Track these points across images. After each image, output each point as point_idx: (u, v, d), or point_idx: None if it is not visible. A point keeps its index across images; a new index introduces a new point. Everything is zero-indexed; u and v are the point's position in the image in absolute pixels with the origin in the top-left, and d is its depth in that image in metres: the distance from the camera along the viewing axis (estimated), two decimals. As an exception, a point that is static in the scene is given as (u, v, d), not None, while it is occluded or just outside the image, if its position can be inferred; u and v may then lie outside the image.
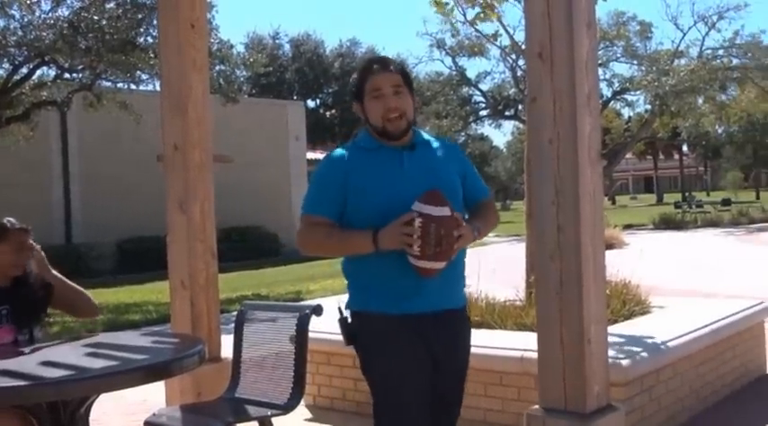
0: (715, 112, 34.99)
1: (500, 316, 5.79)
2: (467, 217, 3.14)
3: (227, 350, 4.75)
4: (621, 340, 4.95)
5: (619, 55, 33.87)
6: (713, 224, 29.93)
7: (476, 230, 3.06)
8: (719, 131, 50.99)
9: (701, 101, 33.88)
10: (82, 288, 3.99)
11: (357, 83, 3.14)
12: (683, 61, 32.59)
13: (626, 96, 37.03)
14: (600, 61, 33.76)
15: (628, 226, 28.25)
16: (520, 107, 33.21)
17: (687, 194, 57.98)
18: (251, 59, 19.15)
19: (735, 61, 32.75)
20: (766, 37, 48.44)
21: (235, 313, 4.66)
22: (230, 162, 5.75)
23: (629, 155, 68.66)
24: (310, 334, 4.18)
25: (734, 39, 32.63)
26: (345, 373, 5.52)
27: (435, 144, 3.19)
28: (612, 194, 75.19)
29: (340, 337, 4.76)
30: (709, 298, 8.34)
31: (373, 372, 3.05)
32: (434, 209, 2.81)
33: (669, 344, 4.98)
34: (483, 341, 5.08)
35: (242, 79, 19.75)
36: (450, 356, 3.12)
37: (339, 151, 3.16)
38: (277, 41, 45.88)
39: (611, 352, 4.16)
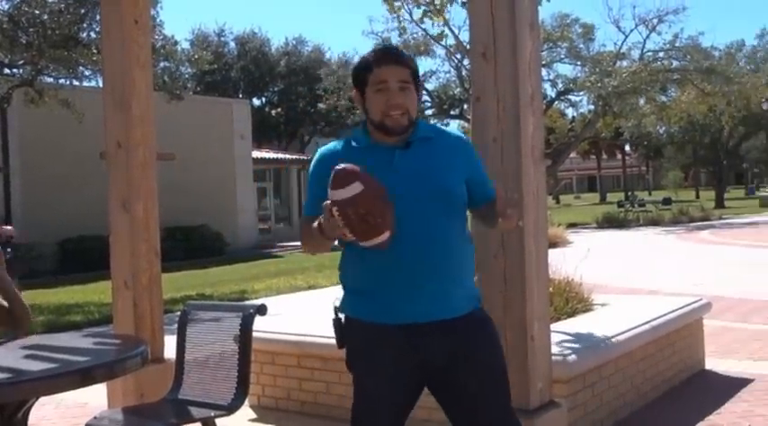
0: (656, 113, 35.64)
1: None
2: (470, 218, 2.98)
3: (170, 350, 4.69)
4: (564, 337, 5.00)
5: (562, 56, 34.36)
6: (655, 222, 30.45)
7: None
8: (660, 131, 51.80)
9: (642, 101, 34.50)
10: (24, 301, 3.77)
11: (361, 70, 2.91)
12: (624, 63, 33.18)
13: (570, 97, 37.58)
14: (544, 62, 34.17)
15: (572, 225, 28.58)
16: (465, 106, 33.44)
17: (630, 193, 58.95)
18: (196, 56, 19.00)
19: (675, 63, 33.44)
20: (705, 39, 49.54)
21: (178, 313, 4.61)
22: (174, 159, 5.69)
23: (573, 155, 69.66)
24: (254, 334, 4.15)
25: (674, 41, 33.35)
26: (290, 373, 5.50)
27: (441, 140, 2.96)
28: (557, 193, 76.06)
29: (284, 336, 4.73)
30: (650, 296, 8.48)
31: (354, 375, 2.94)
32: (342, 192, 2.58)
33: (611, 341, 5.05)
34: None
35: (187, 76, 19.59)
36: (465, 360, 2.85)
37: (329, 147, 3.03)
38: (222, 39, 45.54)
39: (554, 349, 4.21)
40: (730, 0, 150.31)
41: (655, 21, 32.95)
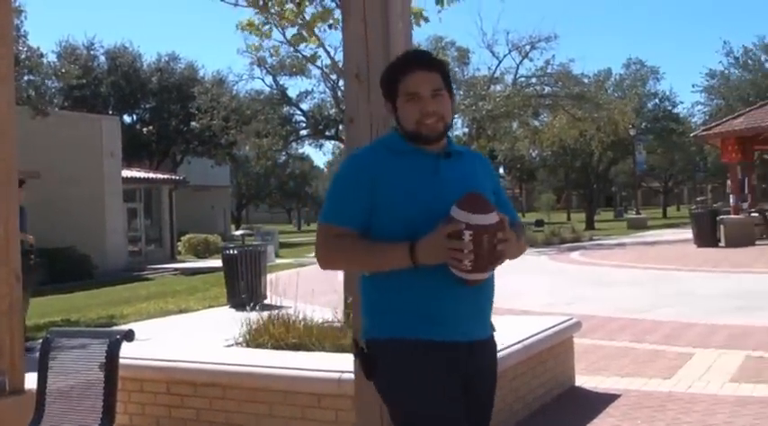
0: (529, 137, 36.77)
1: (318, 338, 5.81)
2: None
3: (32, 381, 4.51)
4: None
5: (438, 78, 34.88)
6: (528, 244, 31.28)
7: (519, 238, 2.73)
8: (533, 155, 53.43)
9: (515, 125, 35.55)
10: None
11: (390, 79, 2.76)
12: (498, 87, 34.13)
13: (445, 119, 38.16)
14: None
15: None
16: (340, 127, 33.62)
17: (503, 215, 60.16)
18: (63, 70, 18.49)
19: (547, 89, 34.57)
20: (575, 67, 51.31)
21: (41, 340, 4.44)
22: (38, 178, 5.50)
23: (448, 177, 70.56)
24: (122, 361, 4.04)
25: (545, 68, 34.50)
26: (159, 400, 5.37)
27: (468, 156, 2.88)
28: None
29: (153, 362, 4.60)
30: (522, 316, 8.69)
31: (401, 408, 2.68)
32: (484, 218, 2.47)
33: (483, 362, 5.14)
34: (300, 363, 5.09)
35: (53, 90, 19.01)
36: (479, 388, 2.79)
37: (364, 150, 2.84)
38: (92, 52, 44.31)
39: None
40: (599, 30, 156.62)
41: (527, 47, 34.10)
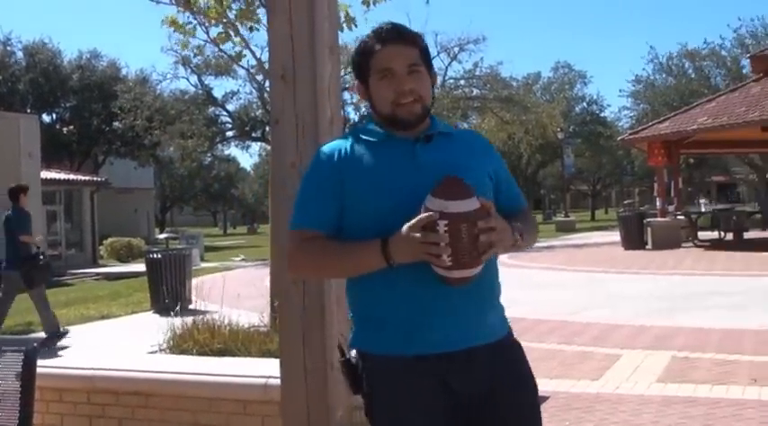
0: (457, 139, 37.00)
1: (244, 343, 5.77)
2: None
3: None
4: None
5: (366, 80, 34.99)
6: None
7: (517, 231, 2.39)
8: (462, 157, 53.90)
9: (444, 127, 35.71)
10: None
11: (361, 56, 2.51)
12: (427, 88, 34.21)
13: (373, 121, 38.31)
14: (347, 86, 34.79)
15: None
16: (267, 128, 33.42)
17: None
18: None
19: (475, 91, 34.88)
20: (504, 70, 52.00)
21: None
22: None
23: (377, 179, 70.83)
24: (39, 370, 3.95)
25: (474, 70, 34.81)
26: (79, 410, 5.25)
27: (459, 137, 2.59)
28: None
29: (73, 371, 4.52)
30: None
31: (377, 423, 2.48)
32: (460, 204, 2.18)
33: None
34: (226, 369, 5.04)
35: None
36: (504, 394, 2.46)
37: (333, 144, 2.53)
38: (9, 48, 43.26)
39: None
40: (528, 33, 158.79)
41: (456, 49, 34.35)
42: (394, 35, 2.47)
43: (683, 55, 44.26)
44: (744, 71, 37.69)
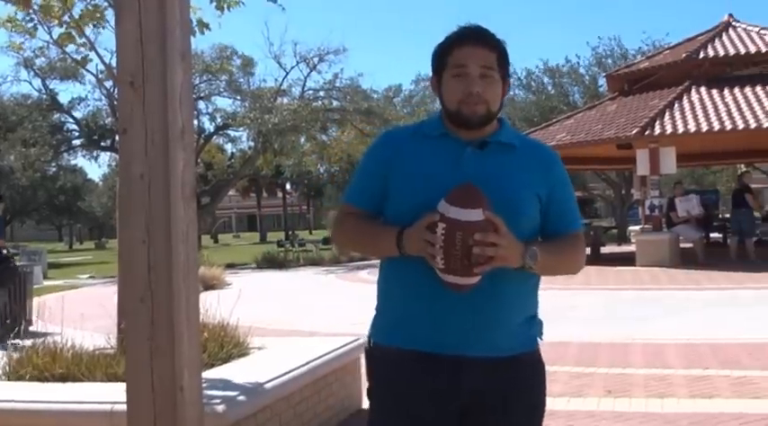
0: (317, 152, 37.13)
1: (88, 367, 5.56)
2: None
3: None
4: (218, 384, 4.99)
5: (222, 89, 34.73)
6: (315, 262, 31.40)
7: (530, 256, 2.46)
8: (321, 170, 54.03)
9: (303, 140, 35.79)
10: None
11: (440, 51, 2.63)
12: (285, 100, 34.26)
13: (229, 132, 38.07)
14: (202, 94, 34.43)
15: (230, 266, 28.75)
16: (117, 138, 32.65)
17: (290, 233, 60.57)
18: None
19: (335, 103, 35.11)
20: (364, 81, 52.48)
21: None
22: None
23: (232, 192, 70.34)
24: None
25: (334, 81, 35.02)
26: None
27: (521, 150, 2.64)
28: (215, 232, 76.35)
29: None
30: (309, 337, 8.72)
31: (371, 405, 2.78)
32: (461, 212, 2.30)
33: (266, 386, 5.12)
34: (68, 396, 4.88)
35: None
36: (501, 411, 2.59)
37: (394, 130, 2.82)
38: None
39: (206, 398, 4.18)
40: (388, 45, 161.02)
41: (316, 59, 34.48)
42: (476, 35, 2.58)
43: (544, 71, 45.74)
44: (600, 89, 39.28)
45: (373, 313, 2.78)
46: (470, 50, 2.55)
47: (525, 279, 2.57)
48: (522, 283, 2.58)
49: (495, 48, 2.58)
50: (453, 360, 2.52)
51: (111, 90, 27.81)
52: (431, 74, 2.71)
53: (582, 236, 2.78)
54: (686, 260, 19.58)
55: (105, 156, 44.74)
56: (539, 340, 2.69)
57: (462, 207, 2.31)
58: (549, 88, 45.71)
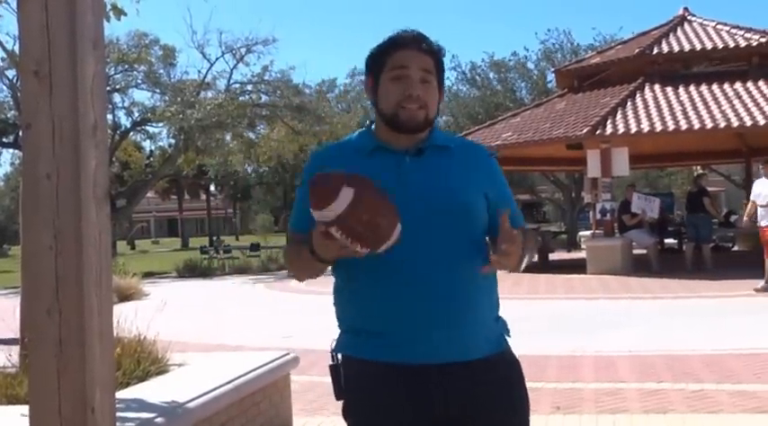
0: (243, 151, 36.88)
1: (-13, 388, 5.45)
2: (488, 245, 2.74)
3: None
4: (134, 405, 4.92)
5: (140, 81, 34.32)
6: (242, 270, 31.24)
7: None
8: (249, 171, 53.72)
9: (228, 137, 35.54)
10: None
11: (378, 52, 2.72)
12: (210, 94, 34.00)
13: (148, 127, 37.62)
14: (118, 86, 34.01)
15: (148, 274, 28.48)
16: (20, 133, 32.12)
17: (215, 238, 60.21)
18: None
19: (264, 98, 34.92)
20: (296, 75, 52.35)
21: None
22: None
23: (151, 194, 69.59)
24: None
25: (263, 74, 34.81)
26: None
27: (457, 151, 2.77)
28: (132, 238, 75.46)
29: None
30: (234, 352, 8.65)
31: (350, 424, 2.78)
32: (334, 207, 2.36)
33: (187, 406, 5.05)
34: (-36, 418, 4.77)
35: None
36: (477, 416, 2.69)
37: (322, 150, 2.89)
38: None
39: (120, 421, 4.11)
40: (322, 36, 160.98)
41: (243, 50, 34.31)
42: (416, 40, 2.70)
43: (489, 65, 46.05)
44: (549, 85, 39.71)
45: (333, 326, 2.86)
46: (411, 53, 2.67)
47: (487, 278, 2.71)
48: (485, 282, 2.73)
49: (435, 53, 2.72)
50: (431, 368, 2.62)
51: (14, 80, 27.37)
52: (365, 75, 2.78)
53: (530, 230, 2.93)
54: (639, 267, 19.90)
55: (7, 154, 44.03)
56: (506, 338, 2.87)
57: (330, 202, 2.37)
58: (495, 83, 46.08)
